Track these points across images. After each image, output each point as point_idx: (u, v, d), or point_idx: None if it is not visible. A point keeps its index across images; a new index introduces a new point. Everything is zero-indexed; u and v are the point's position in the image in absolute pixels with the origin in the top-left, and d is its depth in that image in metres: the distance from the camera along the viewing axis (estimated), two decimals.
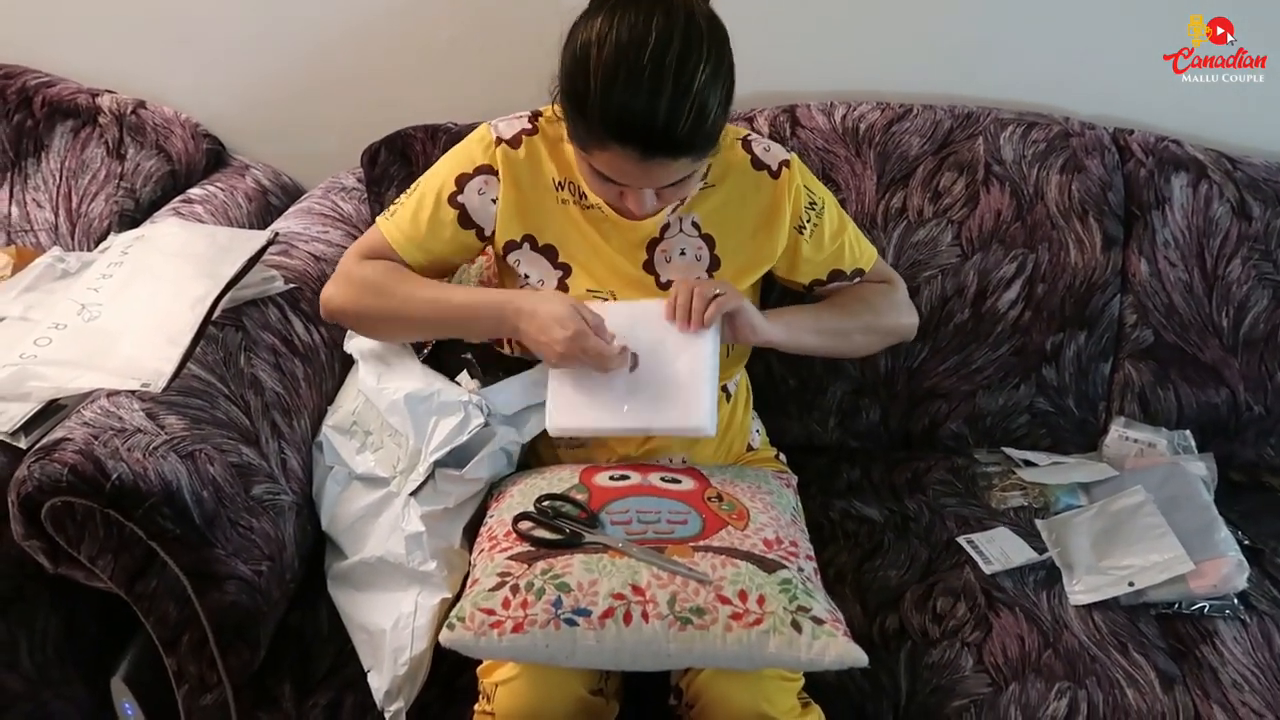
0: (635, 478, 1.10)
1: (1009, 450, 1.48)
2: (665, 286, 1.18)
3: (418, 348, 1.25)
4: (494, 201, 1.16)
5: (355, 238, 1.48)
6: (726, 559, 0.97)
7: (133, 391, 1.07)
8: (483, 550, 1.04)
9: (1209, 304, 1.45)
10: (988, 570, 1.25)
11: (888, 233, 1.44)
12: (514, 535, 1.03)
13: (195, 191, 1.57)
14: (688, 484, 1.10)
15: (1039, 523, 1.33)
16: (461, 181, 1.16)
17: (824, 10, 1.53)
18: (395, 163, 1.51)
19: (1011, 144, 1.45)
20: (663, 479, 1.10)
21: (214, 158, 1.67)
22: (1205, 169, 1.46)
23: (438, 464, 1.12)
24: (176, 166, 1.61)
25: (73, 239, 1.55)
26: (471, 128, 1.49)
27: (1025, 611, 1.19)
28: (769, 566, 0.97)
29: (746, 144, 1.20)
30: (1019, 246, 1.43)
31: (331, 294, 1.17)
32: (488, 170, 1.15)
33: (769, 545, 1.01)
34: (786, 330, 1.18)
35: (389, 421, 1.14)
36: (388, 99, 1.63)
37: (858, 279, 1.28)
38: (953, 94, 1.53)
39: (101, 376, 1.09)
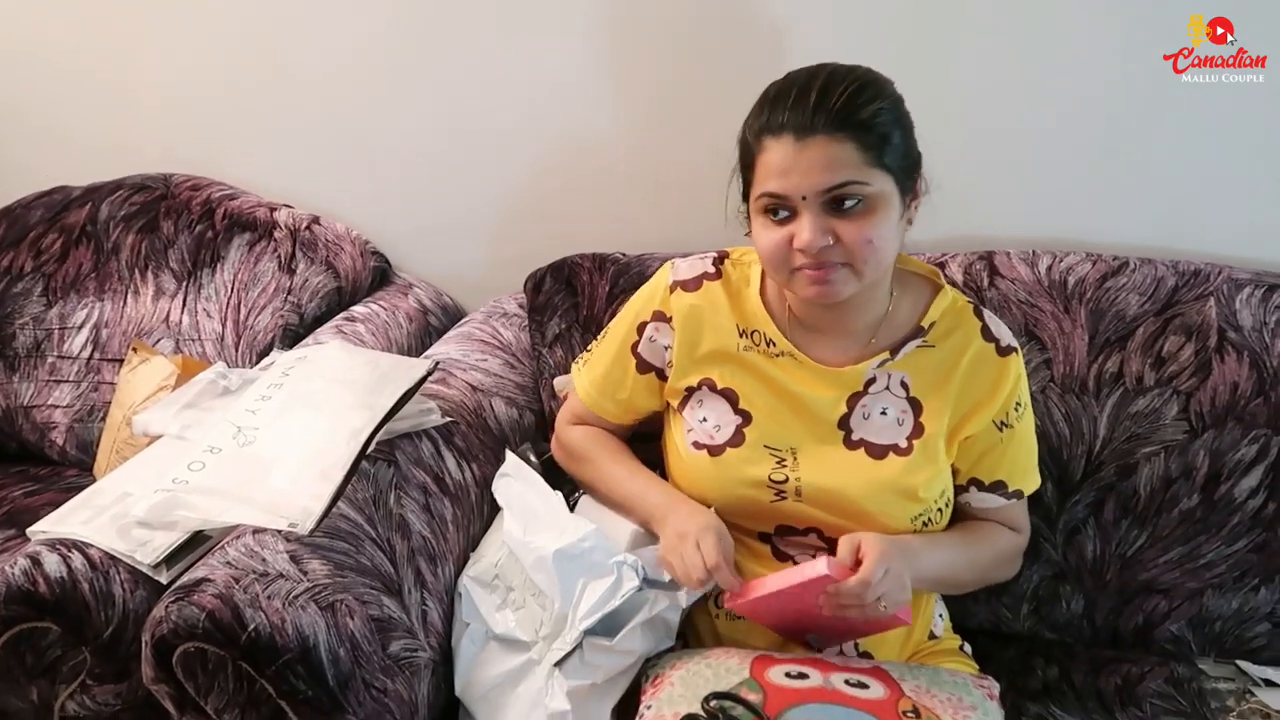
0: (816, 677, 0.95)
1: (1244, 664, 1.25)
2: (855, 446, 1.07)
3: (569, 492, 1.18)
4: (667, 348, 1.14)
5: (514, 367, 1.44)
6: None
7: (279, 531, 1.01)
8: None
9: None
10: None
11: (1100, 400, 1.27)
12: None
13: (358, 309, 1.55)
14: (877, 690, 0.94)
15: None
16: (642, 329, 1.16)
17: (1025, 152, 1.41)
18: (560, 291, 1.46)
19: (1250, 308, 1.27)
20: (847, 681, 0.95)
21: (379, 275, 1.66)
22: None
23: (586, 632, 1.00)
24: (343, 283, 1.61)
25: (236, 351, 1.55)
26: (639, 260, 1.45)
27: None
28: None
29: (978, 311, 1.11)
30: (1260, 426, 1.23)
31: (556, 451, 1.26)
32: (661, 318, 1.15)
33: None
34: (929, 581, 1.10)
35: (533, 579, 1.03)
36: (556, 229, 1.60)
37: (1014, 500, 1.13)
38: (1173, 247, 1.37)
39: (250, 511, 1.03)
